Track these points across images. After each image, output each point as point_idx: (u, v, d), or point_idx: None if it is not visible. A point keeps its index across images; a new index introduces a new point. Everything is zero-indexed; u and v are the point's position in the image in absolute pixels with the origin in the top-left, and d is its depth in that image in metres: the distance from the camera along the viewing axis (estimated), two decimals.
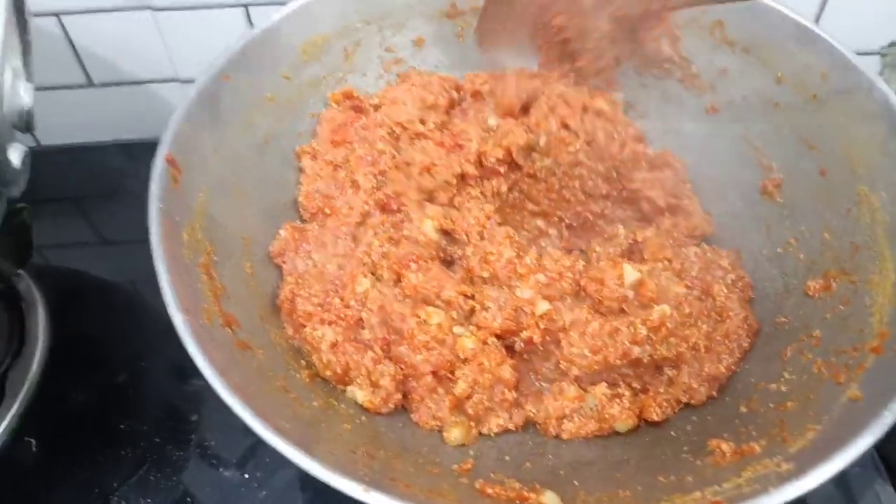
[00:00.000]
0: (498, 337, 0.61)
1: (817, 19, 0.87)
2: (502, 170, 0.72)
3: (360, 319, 0.62)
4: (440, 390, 0.60)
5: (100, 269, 0.83)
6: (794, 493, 0.45)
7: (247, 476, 0.65)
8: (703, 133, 0.76)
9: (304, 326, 0.62)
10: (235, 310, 0.58)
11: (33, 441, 0.67)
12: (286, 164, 0.73)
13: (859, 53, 0.65)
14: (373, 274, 0.65)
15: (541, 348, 0.62)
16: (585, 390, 0.61)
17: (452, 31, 0.79)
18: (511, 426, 0.61)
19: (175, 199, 0.57)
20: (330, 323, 0.62)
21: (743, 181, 0.73)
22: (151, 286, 0.52)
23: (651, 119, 0.80)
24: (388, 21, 0.77)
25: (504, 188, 0.73)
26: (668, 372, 0.62)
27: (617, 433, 0.61)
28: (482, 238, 0.66)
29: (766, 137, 0.72)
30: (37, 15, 0.62)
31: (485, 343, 0.60)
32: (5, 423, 0.65)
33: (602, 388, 0.61)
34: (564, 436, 0.60)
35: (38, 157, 0.62)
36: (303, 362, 0.62)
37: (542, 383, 0.63)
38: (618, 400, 0.61)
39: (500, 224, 0.68)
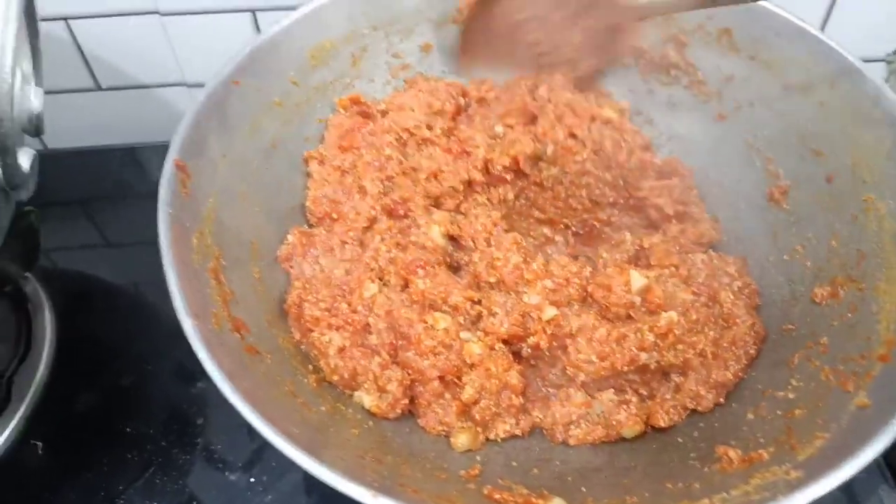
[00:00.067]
0: (505, 342, 0.61)
1: (823, 26, 0.87)
2: (509, 177, 0.72)
3: (368, 324, 0.62)
4: (447, 395, 0.60)
5: (106, 272, 0.83)
6: (803, 501, 0.45)
7: (252, 480, 0.65)
8: (709, 140, 0.76)
9: (312, 331, 0.62)
10: (244, 314, 0.58)
11: (39, 444, 0.67)
12: (294, 168, 0.73)
13: (865, 60, 0.66)
14: (380, 279, 0.65)
15: (548, 354, 0.62)
16: (592, 396, 0.61)
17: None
18: (518, 432, 0.61)
19: (184, 205, 0.58)
20: (337, 328, 0.62)
21: (750, 188, 0.73)
22: (158, 289, 0.52)
23: (657, 126, 0.80)
24: (396, 27, 0.77)
25: (511, 195, 0.73)
26: (676, 378, 0.62)
27: (624, 439, 0.61)
28: (489, 244, 0.67)
29: (773, 144, 0.72)
30: (45, 19, 0.62)
31: (492, 348, 0.61)
32: (12, 425, 0.65)
33: (609, 395, 0.61)
34: (571, 442, 0.60)
35: (46, 160, 0.62)
36: (310, 367, 0.62)
37: (549, 389, 0.63)
38: (625, 406, 0.61)
39: (506, 231, 0.68)
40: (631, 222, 0.74)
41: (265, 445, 0.46)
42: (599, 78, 0.76)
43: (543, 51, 0.60)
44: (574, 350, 0.60)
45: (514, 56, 0.61)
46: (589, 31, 0.58)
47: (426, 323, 0.60)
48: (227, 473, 0.66)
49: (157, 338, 0.74)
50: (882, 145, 0.63)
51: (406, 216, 0.69)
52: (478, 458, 0.59)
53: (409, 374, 0.60)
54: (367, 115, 0.75)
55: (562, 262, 0.65)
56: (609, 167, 0.74)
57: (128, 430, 0.68)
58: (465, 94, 0.78)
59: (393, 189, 0.70)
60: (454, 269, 0.68)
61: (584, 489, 0.55)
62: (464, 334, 0.61)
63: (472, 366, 0.60)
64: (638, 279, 0.62)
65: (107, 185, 0.92)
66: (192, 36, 0.87)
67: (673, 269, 0.67)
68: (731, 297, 0.65)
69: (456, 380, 0.60)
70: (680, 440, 0.60)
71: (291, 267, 0.67)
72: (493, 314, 0.61)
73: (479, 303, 0.63)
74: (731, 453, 0.54)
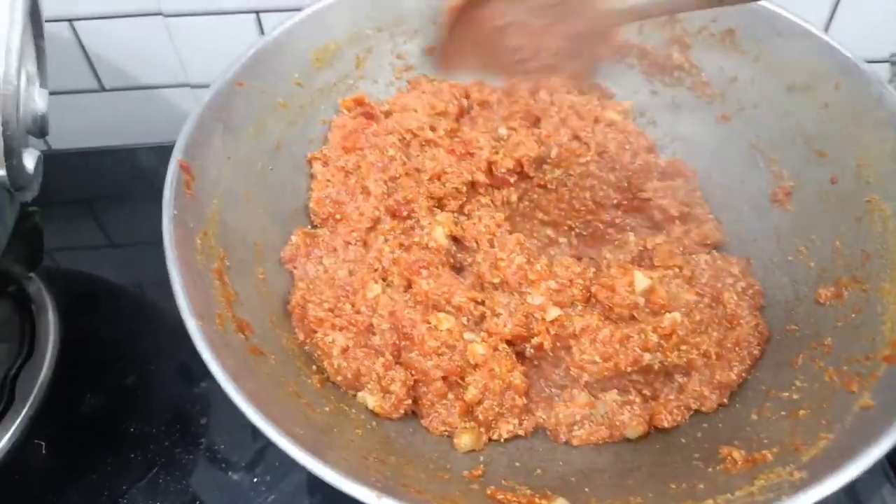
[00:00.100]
0: (508, 343, 0.62)
1: (827, 27, 0.87)
2: (513, 180, 0.72)
3: (371, 325, 0.62)
4: (450, 396, 0.60)
5: (110, 272, 0.84)
6: (807, 502, 0.45)
7: (256, 480, 0.65)
8: (713, 141, 0.76)
9: (316, 332, 0.62)
10: (248, 315, 0.58)
11: (43, 444, 0.67)
12: (297, 170, 0.73)
13: (868, 61, 0.66)
14: (383, 280, 0.65)
15: (551, 354, 0.62)
16: (596, 397, 0.61)
17: None
18: (521, 432, 0.61)
19: (188, 206, 0.58)
20: (341, 328, 0.62)
21: (753, 189, 0.73)
22: (161, 289, 0.52)
23: (661, 127, 0.80)
24: (401, 28, 0.77)
25: (514, 198, 0.73)
26: (679, 379, 0.62)
27: (627, 440, 0.61)
28: (492, 246, 0.67)
29: (777, 145, 0.72)
30: (49, 21, 0.62)
31: (495, 349, 0.61)
32: (15, 425, 0.65)
33: (612, 395, 0.61)
34: (575, 442, 0.60)
35: (50, 161, 0.62)
36: (314, 367, 0.62)
37: (553, 389, 0.63)
38: (628, 407, 0.61)
39: (510, 232, 0.68)
40: (634, 223, 0.74)
41: (268, 445, 0.46)
42: (592, 76, 0.76)
43: (524, 57, 0.61)
44: (577, 350, 0.60)
45: (494, 61, 0.62)
46: (569, 36, 0.59)
47: (429, 323, 0.61)
48: (230, 473, 0.66)
49: (160, 338, 0.75)
50: (886, 146, 0.63)
51: (409, 217, 0.69)
52: (481, 458, 0.59)
53: (412, 375, 0.60)
54: (370, 117, 0.75)
55: (565, 263, 0.65)
56: (613, 169, 0.74)
57: (131, 430, 0.69)
58: (467, 96, 0.79)
59: (396, 190, 0.70)
60: (457, 270, 0.68)
61: (587, 490, 0.55)
62: (467, 335, 0.61)
63: (475, 366, 0.60)
64: (642, 280, 0.62)
65: (111, 186, 0.93)
66: (195, 37, 0.87)
67: (676, 269, 0.67)
68: (735, 297, 0.65)
69: (459, 380, 0.60)
70: (683, 441, 0.60)
71: (295, 268, 0.67)
72: (497, 315, 0.62)
73: (483, 303, 0.63)
74: (735, 454, 0.54)
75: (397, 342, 0.61)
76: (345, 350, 0.61)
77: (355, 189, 0.71)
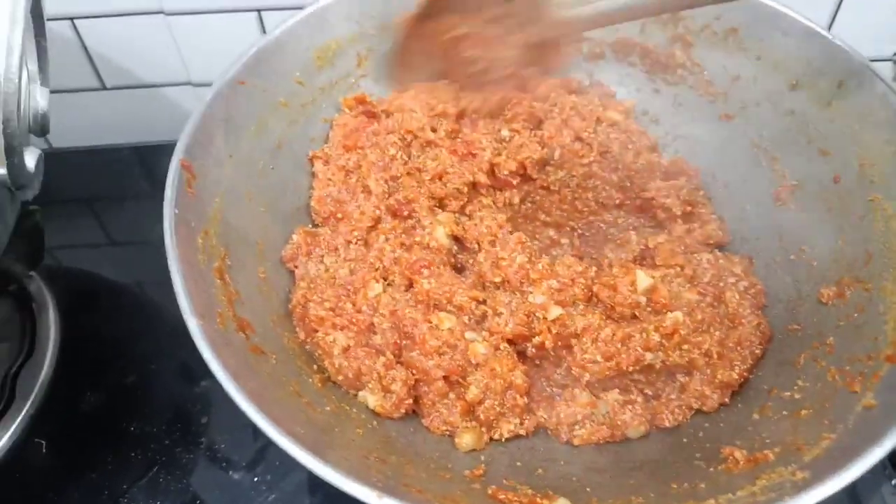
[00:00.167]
0: (510, 342, 0.61)
1: (830, 26, 0.87)
2: (515, 182, 0.72)
3: (372, 324, 0.62)
4: (452, 395, 0.60)
5: (111, 271, 0.84)
6: (809, 502, 0.45)
7: (256, 479, 0.65)
8: (716, 140, 0.76)
9: (317, 331, 0.62)
10: (249, 314, 0.58)
11: (43, 442, 0.67)
12: (299, 168, 0.73)
13: (872, 60, 0.65)
14: (384, 279, 0.65)
15: (553, 354, 0.62)
16: (597, 396, 0.61)
17: None
18: (522, 432, 0.61)
19: (190, 204, 0.58)
20: (342, 328, 0.62)
21: (756, 188, 0.73)
22: (162, 288, 0.52)
23: (663, 125, 0.80)
24: None
25: (516, 199, 0.73)
26: (681, 378, 0.62)
27: (629, 440, 0.61)
28: (494, 246, 0.66)
29: (780, 144, 0.72)
30: (50, 19, 0.62)
31: (497, 348, 0.60)
32: (16, 424, 0.65)
33: (614, 395, 0.61)
34: (576, 442, 0.60)
35: (51, 159, 0.63)
36: (315, 367, 0.62)
37: (554, 389, 0.63)
38: (630, 406, 0.61)
39: (511, 233, 0.68)
40: (637, 223, 0.74)
41: (269, 445, 0.46)
42: (539, 85, 0.74)
43: (480, 68, 0.60)
44: (579, 350, 0.60)
45: (449, 73, 0.62)
46: (524, 46, 0.58)
47: (431, 323, 0.60)
48: (230, 473, 0.66)
49: (161, 337, 0.75)
50: (890, 145, 0.62)
51: (410, 216, 0.69)
52: (482, 458, 0.59)
53: (413, 374, 0.60)
54: (372, 115, 0.75)
55: (567, 262, 0.64)
56: (616, 169, 0.74)
57: (132, 429, 0.68)
58: None
59: (397, 189, 0.70)
60: (458, 270, 0.68)
61: (588, 489, 0.55)
62: (468, 334, 0.61)
63: (476, 366, 0.60)
64: (644, 279, 0.62)
65: (112, 185, 0.93)
66: (197, 36, 0.87)
67: (678, 268, 0.66)
68: (737, 296, 0.65)
69: (460, 380, 0.60)
70: (685, 440, 0.60)
71: (296, 267, 0.67)
72: (498, 314, 0.61)
73: (484, 303, 0.63)
74: (737, 454, 0.54)
75: (398, 341, 0.61)
76: (346, 349, 0.61)
77: (356, 188, 0.71)
